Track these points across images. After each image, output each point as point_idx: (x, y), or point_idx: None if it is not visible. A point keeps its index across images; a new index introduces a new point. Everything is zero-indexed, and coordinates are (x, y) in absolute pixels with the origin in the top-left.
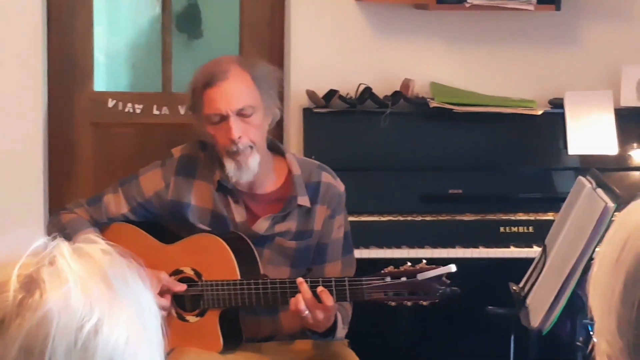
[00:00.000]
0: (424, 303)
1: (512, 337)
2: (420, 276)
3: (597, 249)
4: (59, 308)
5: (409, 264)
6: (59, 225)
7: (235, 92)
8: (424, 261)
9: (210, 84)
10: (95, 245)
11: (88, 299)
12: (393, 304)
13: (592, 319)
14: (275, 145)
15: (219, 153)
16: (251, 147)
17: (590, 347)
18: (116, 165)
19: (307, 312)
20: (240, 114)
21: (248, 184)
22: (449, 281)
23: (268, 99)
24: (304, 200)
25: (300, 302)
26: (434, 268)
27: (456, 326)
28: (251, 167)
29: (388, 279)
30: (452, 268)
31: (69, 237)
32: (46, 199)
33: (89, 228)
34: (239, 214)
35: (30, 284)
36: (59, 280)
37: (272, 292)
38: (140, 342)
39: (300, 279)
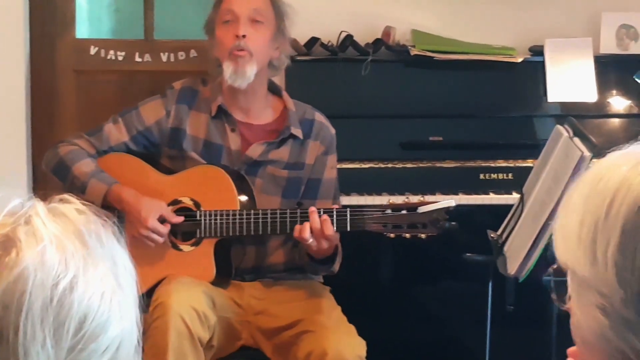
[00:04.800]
0: (422, 236)
1: (490, 284)
2: (421, 209)
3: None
4: (34, 266)
5: (408, 198)
6: (57, 157)
7: None
8: (422, 196)
9: None
10: (70, 204)
11: (63, 256)
12: (392, 235)
13: (556, 274)
14: (272, 84)
15: (221, 59)
16: (251, 54)
17: (567, 298)
18: (99, 113)
19: (311, 240)
20: (252, 18)
21: (245, 112)
22: (447, 216)
23: (280, 25)
24: (297, 132)
25: (306, 230)
26: (434, 202)
27: (435, 272)
28: (247, 74)
29: (389, 211)
30: (452, 203)
31: (66, 167)
32: (29, 146)
33: (86, 159)
34: (234, 142)
35: (7, 242)
36: (34, 238)
37: (272, 221)
38: (115, 298)
39: (312, 208)
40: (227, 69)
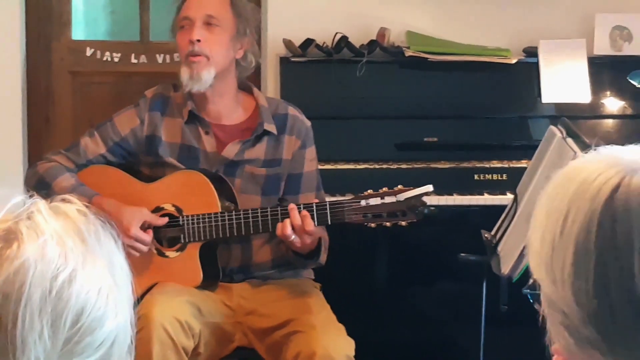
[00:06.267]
0: (403, 223)
1: (484, 284)
2: (400, 197)
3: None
4: (35, 258)
5: (386, 188)
6: (37, 175)
7: (208, 1)
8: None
9: None
10: (71, 204)
11: (63, 251)
12: (373, 225)
13: (532, 288)
14: (243, 82)
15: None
16: (208, 58)
17: (540, 317)
18: (95, 114)
19: (293, 236)
20: (207, 22)
21: (216, 114)
22: (426, 202)
23: (241, 26)
24: (270, 127)
25: (288, 227)
26: (412, 189)
27: (429, 272)
28: (203, 79)
29: (368, 201)
30: (430, 188)
31: (47, 184)
32: (25, 147)
33: (65, 174)
34: (209, 144)
35: (9, 235)
36: (35, 232)
37: (253, 221)
38: (112, 295)
39: (292, 205)
40: (184, 74)
